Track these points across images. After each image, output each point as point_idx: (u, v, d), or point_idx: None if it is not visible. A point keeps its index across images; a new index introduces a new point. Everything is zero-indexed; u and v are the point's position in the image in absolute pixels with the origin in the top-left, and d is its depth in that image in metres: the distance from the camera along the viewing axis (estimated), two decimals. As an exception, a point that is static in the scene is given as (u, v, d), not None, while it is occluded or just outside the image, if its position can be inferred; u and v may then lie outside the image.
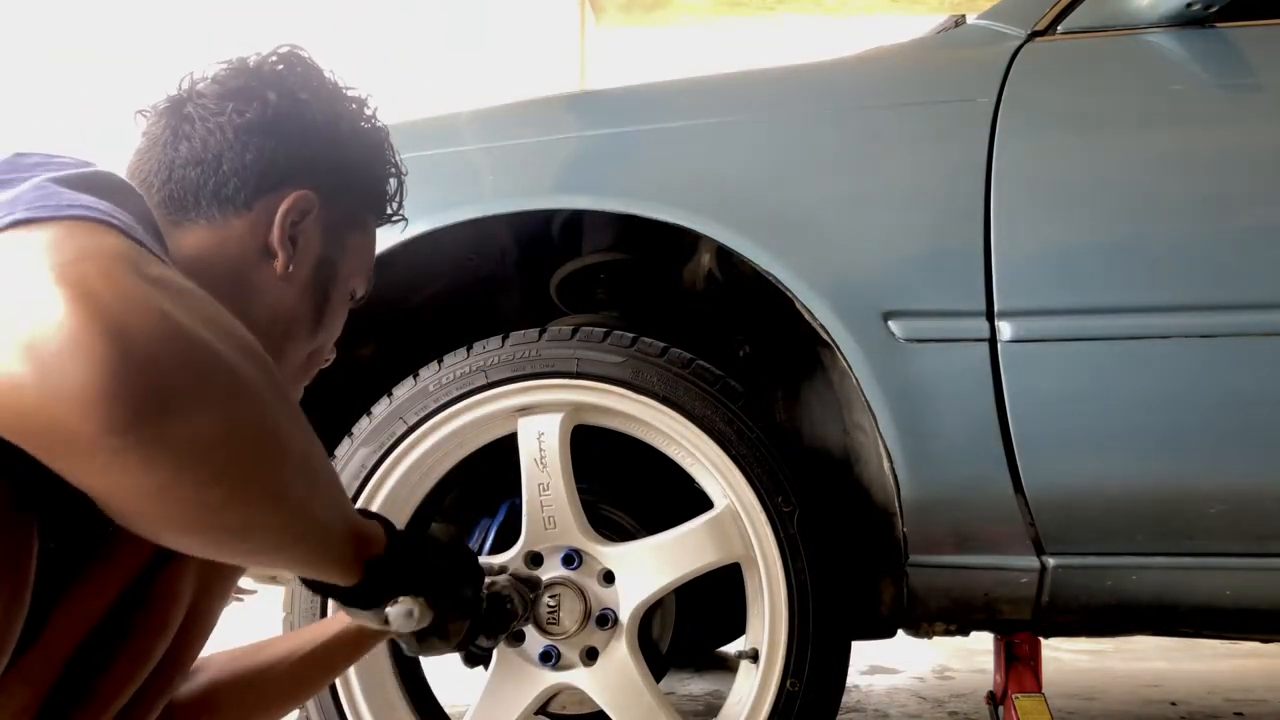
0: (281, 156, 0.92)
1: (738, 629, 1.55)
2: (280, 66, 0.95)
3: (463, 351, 1.50)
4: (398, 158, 1.04)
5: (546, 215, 1.63)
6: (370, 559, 0.85)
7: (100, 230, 0.63)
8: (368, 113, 1.00)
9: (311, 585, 0.87)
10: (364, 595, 0.86)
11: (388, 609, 0.88)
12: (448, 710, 1.60)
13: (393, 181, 1.04)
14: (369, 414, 1.50)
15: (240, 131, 0.91)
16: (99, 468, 0.58)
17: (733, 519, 1.44)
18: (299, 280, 0.94)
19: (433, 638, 0.97)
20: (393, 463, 1.48)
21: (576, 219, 1.65)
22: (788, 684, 1.41)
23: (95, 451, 0.57)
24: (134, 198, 0.75)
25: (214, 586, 0.87)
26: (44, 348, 0.55)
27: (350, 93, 0.99)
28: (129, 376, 0.56)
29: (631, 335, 1.47)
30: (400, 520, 1.51)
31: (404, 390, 1.49)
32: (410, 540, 0.90)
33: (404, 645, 1.00)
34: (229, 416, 0.61)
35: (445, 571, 0.95)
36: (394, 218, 1.06)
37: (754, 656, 1.44)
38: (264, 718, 1.15)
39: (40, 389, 0.55)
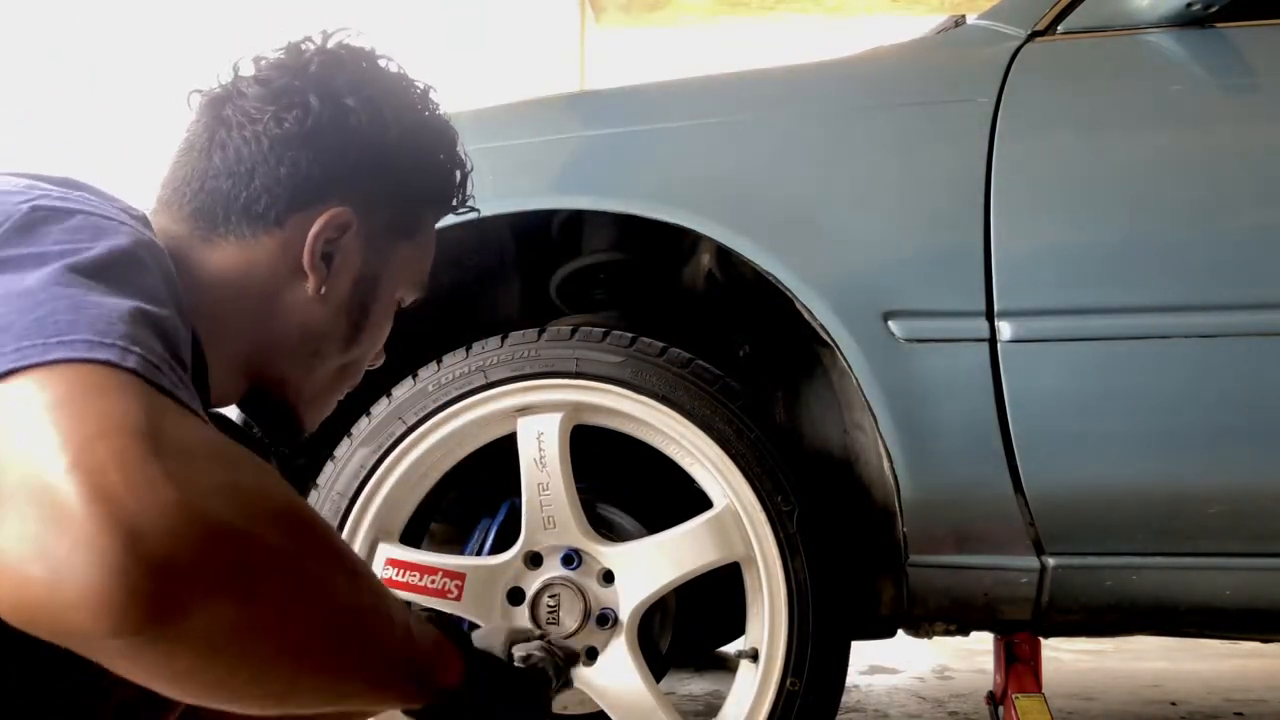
0: (318, 171, 0.87)
1: (738, 629, 1.55)
2: (330, 62, 0.89)
3: (462, 351, 1.50)
4: (461, 149, 0.98)
5: (546, 215, 1.63)
6: (441, 689, 0.79)
7: (117, 384, 0.57)
8: (425, 108, 0.94)
9: None
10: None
11: None
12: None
13: (457, 174, 0.98)
14: (368, 414, 1.50)
15: (276, 143, 0.86)
16: (115, 661, 0.55)
17: (732, 518, 1.44)
18: (335, 300, 0.89)
19: None
20: (392, 463, 1.48)
21: (576, 219, 1.65)
22: (787, 683, 1.41)
23: (108, 649, 0.54)
24: (157, 265, 0.70)
25: None
26: (54, 547, 0.51)
27: (405, 86, 0.93)
28: (142, 582, 0.52)
29: (631, 335, 1.47)
30: (400, 520, 1.51)
31: (403, 390, 1.49)
32: (487, 672, 0.85)
33: None
34: (252, 608, 0.57)
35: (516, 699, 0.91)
36: (459, 210, 1.00)
37: (754, 656, 1.44)
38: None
39: (49, 589, 0.52)
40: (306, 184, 0.87)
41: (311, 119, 0.86)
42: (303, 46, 0.90)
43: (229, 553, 0.56)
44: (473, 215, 1.03)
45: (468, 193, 1.00)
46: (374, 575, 0.70)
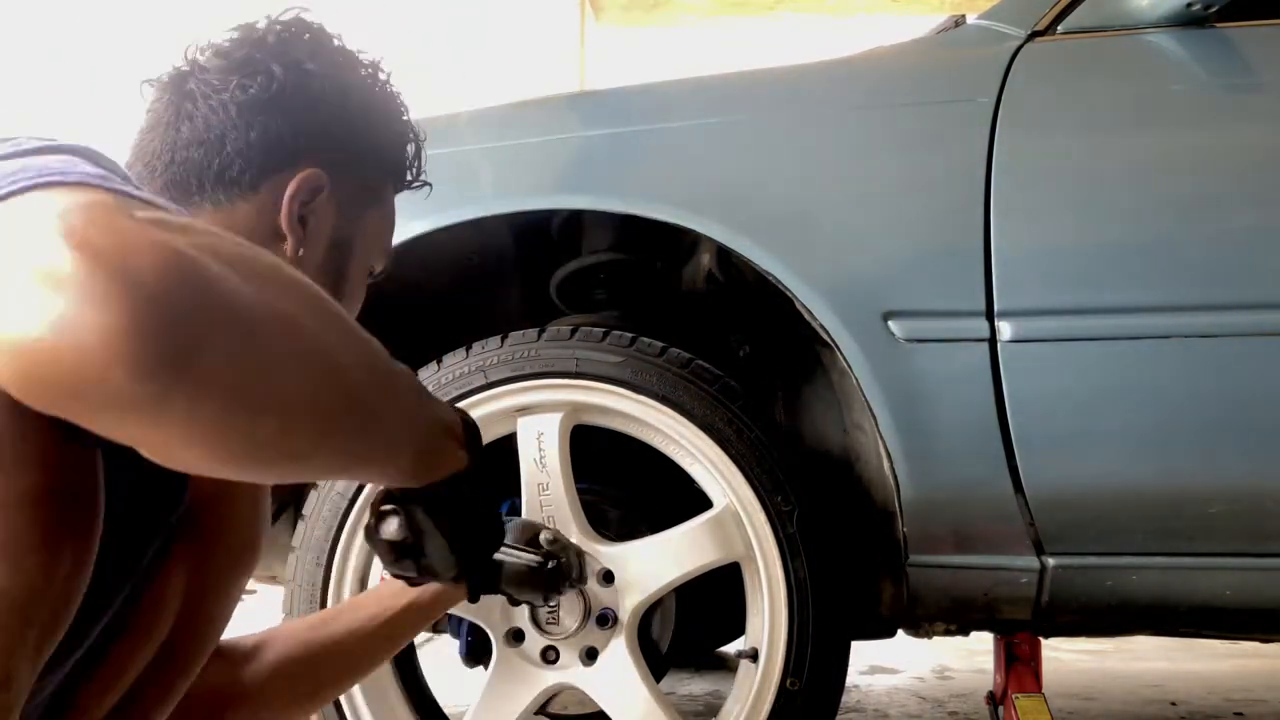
0: (288, 134, 0.88)
1: (738, 629, 1.55)
2: (286, 35, 0.91)
3: (461, 352, 1.50)
4: (415, 122, 0.99)
5: (546, 215, 1.63)
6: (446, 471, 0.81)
7: (75, 189, 0.60)
8: (381, 78, 0.96)
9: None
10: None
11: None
12: (447, 711, 1.60)
13: (410, 147, 0.99)
14: (369, 414, 1.49)
15: (244, 109, 0.87)
16: (144, 421, 0.55)
17: (732, 518, 1.44)
18: (312, 262, 0.90)
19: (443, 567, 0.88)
20: (392, 463, 1.48)
21: (576, 219, 1.65)
22: (787, 683, 1.41)
23: (133, 403, 0.54)
24: (105, 159, 0.71)
25: (214, 588, 0.86)
26: (54, 306, 0.53)
27: (361, 58, 0.95)
28: (147, 316, 0.53)
29: (630, 335, 1.47)
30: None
31: (404, 390, 1.49)
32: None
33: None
34: (261, 342, 0.58)
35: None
36: (414, 184, 1.01)
37: (753, 656, 1.44)
38: (334, 690, 1.15)
39: (61, 349, 0.53)
40: (278, 147, 0.88)
41: (276, 84, 0.87)
42: (257, 24, 0.91)
43: (224, 290, 0.57)
44: (424, 189, 1.03)
45: (422, 166, 1.01)
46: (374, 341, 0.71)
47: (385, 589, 1.15)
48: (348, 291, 0.95)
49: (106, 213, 0.56)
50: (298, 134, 0.88)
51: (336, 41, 0.94)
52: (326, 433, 0.64)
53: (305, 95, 0.89)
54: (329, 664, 1.08)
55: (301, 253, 0.89)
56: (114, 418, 0.56)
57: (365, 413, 0.68)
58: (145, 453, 0.58)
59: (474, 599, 1.11)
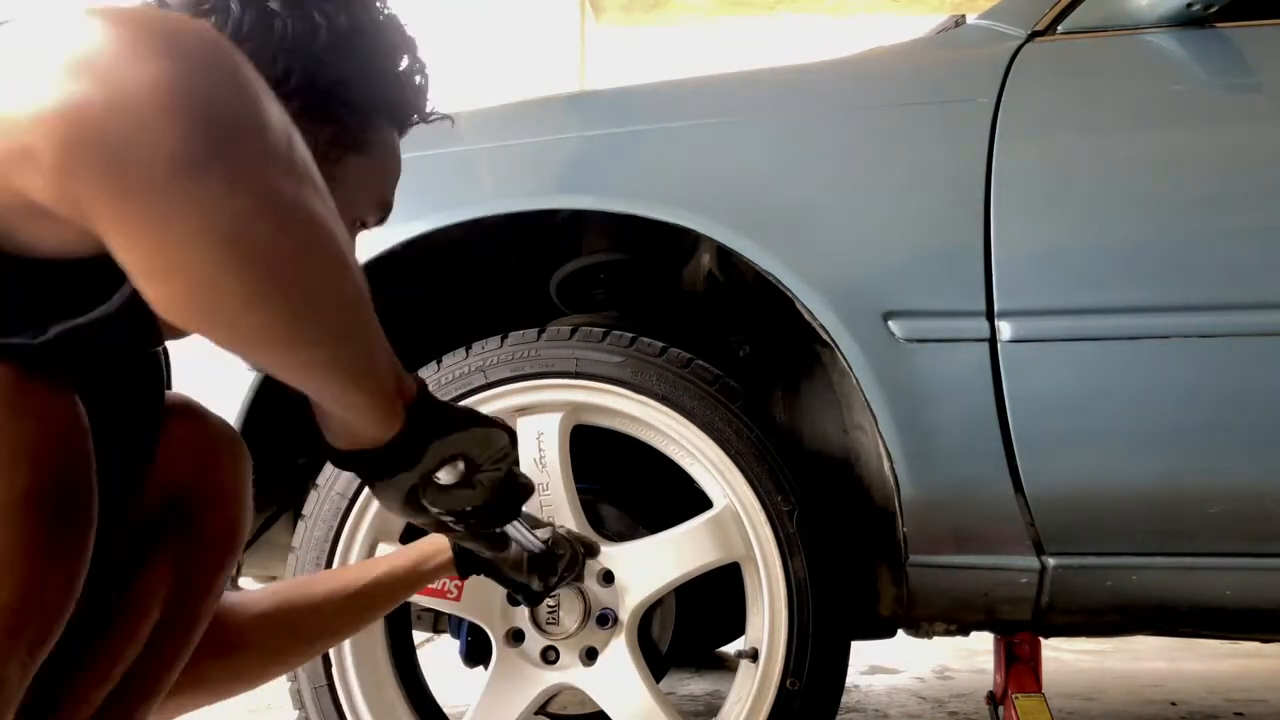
0: None
1: (738, 629, 1.55)
2: None
3: (461, 352, 1.50)
4: (414, 55, 0.91)
5: (547, 215, 1.63)
6: (410, 404, 0.78)
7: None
8: (363, 12, 0.88)
9: (345, 460, 0.80)
10: (407, 447, 0.79)
11: (435, 468, 0.81)
12: (447, 711, 1.60)
13: (408, 81, 0.91)
14: (369, 414, 1.50)
15: None
16: (174, 203, 0.53)
17: (732, 518, 1.44)
18: None
19: (484, 515, 0.87)
20: (392, 463, 1.48)
21: (577, 219, 1.65)
22: (787, 683, 1.41)
23: (172, 171, 0.52)
24: None
25: (199, 582, 0.86)
26: (104, 66, 0.51)
27: None
28: (196, 82, 0.52)
29: (630, 335, 1.47)
30: (400, 521, 1.50)
31: (404, 390, 1.49)
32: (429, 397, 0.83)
33: (458, 538, 0.95)
34: (295, 146, 0.57)
35: (477, 421, 0.86)
36: (421, 120, 0.94)
37: (753, 656, 1.44)
38: (310, 648, 1.15)
39: (112, 105, 0.51)
40: None
41: (231, 24, 0.82)
42: None
43: (270, 109, 0.56)
44: (445, 121, 0.96)
45: (425, 102, 0.94)
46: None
47: (370, 561, 1.16)
48: None
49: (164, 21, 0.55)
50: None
51: None
52: (331, 292, 0.62)
53: (265, 38, 0.82)
54: (306, 623, 1.10)
55: None
56: (143, 201, 0.53)
57: (362, 324, 0.66)
58: (146, 280, 0.56)
59: (464, 574, 1.12)
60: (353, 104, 0.88)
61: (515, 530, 1.07)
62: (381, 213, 0.95)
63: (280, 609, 1.07)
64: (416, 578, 1.17)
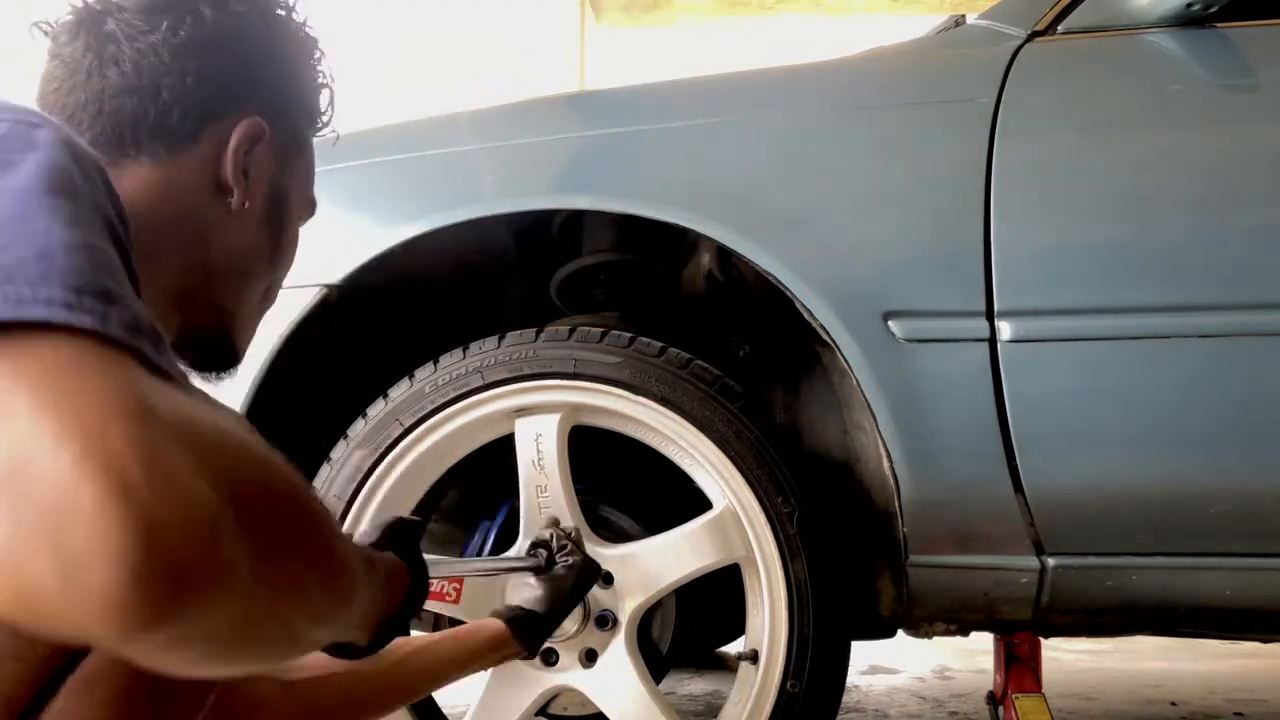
0: (226, 78, 0.83)
1: (738, 629, 1.55)
2: None
3: (459, 352, 1.50)
4: (328, 66, 0.95)
5: (546, 215, 1.63)
6: (380, 622, 0.83)
7: (110, 357, 0.50)
8: (298, 20, 0.91)
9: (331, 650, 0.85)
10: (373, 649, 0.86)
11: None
12: (446, 711, 1.60)
13: (327, 90, 0.95)
14: (364, 416, 1.50)
15: (178, 52, 0.81)
16: (115, 648, 0.48)
17: (732, 520, 1.43)
18: (254, 214, 0.86)
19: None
20: (389, 465, 1.48)
21: (576, 219, 1.65)
22: (788, 685, 1.40)
23: (109, 643, 0.47)
24: (102, 178, 0.62)
25: None
26: (64, 542, 0.45)
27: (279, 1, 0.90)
28: (157, 583, 0.46)
29: (629, 335, 1.46)
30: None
31: (400, 392, 1.49)
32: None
33: None
34: (258, 597, 0.52)
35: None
36: (324, 131, 0.97)
37: (754, 658, 1.44)
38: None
39: (56, 588, 0.45)
40: (218, 93, 0.83)
41: (209, 26, 0.82)
42: None
43: (242, 549, 0.50)
44: (330, 138, 0.99)
45: (333, 112, 0.97)
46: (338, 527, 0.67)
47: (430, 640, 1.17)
48: (286, 243, 0.92)
49: (143, 433, 0.47)
50: (235, 79, 0.84)
51: None
52: (293, 644, 0.59)
53: (239, 39, 0.84)
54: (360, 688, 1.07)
55: (246, 205, 0.85)
56: (85, 643, 0.51)
57: (335, 615, 0.64)
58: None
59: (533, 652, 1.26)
60: (303, 105, 0.92)
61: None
62: (312, 210, 0.98)
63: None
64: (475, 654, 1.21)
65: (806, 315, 1.38)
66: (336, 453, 1.49)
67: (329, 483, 1.48)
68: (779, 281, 1.38)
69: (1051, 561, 1.37)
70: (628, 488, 1.66)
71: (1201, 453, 1.33)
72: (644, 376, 1.44)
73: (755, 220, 1.41)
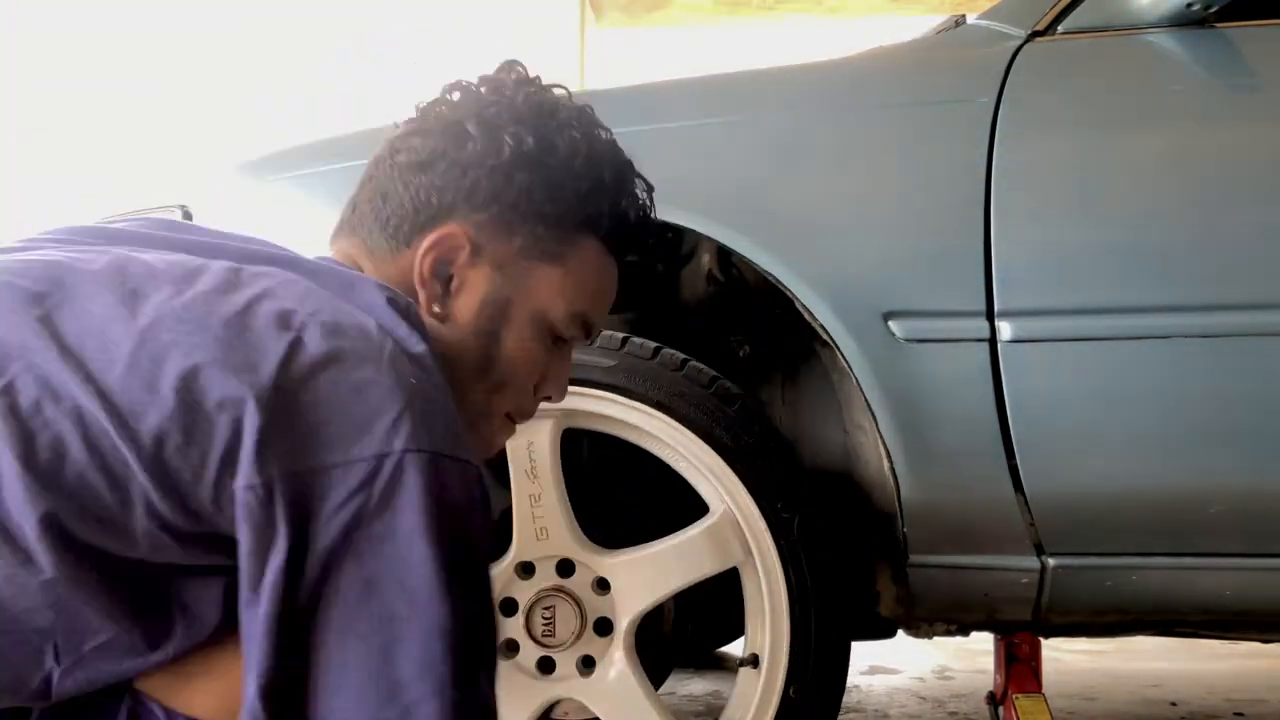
0: (434, 195, 0.91)
1: (737, 629, 1.55)
2: (455, 96, 0.94)
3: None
4: (625, 174, 0.95)
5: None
6: None
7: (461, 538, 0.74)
8: (568, 129, 0.93)
9: None
10: None
11: None
12: None
13: (611, 199, 0.94)
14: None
15: (403, 171, 0.92)
16: None
17: (730, 525, 1.40)
18: (460, 322, 0.91)
19: None
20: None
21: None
22: (790, 691, 1.38)
23: None
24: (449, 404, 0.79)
25: None
26: None
27: (542, 108, 0.93)
28: None
29: (622, 336, 1.44)
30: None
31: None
32: None
33: None
34: None
35: None
36: (629, 233, 0.97)
37: (754, 663, 1.42)
38: None
39: None
40: (426, 207, 0.91)
41: (429, 148, 0.92)
42: (503, 90, 0.94)
43: None
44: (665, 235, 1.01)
45: (631, 216, 0.97)
46: None
47: None
48: (505, 353, 0.92)
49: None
50: (443, 194, 0.91)
51: (520, 87, 0.94)
52: None
53: (457, 156, 0.91)
54: None
55: (438, 310, 0.91)
56: None
57: None
58: None
59: None
60: (543, 215, 0.92)
61: None
62: (581, 329, 0.96)
63: None
64: None
65: (806, 315, 1.38)
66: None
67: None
68: (779, 282, 1.38)
69: (1052, 562, 1.37)
70: (624, 493, 1.65)
71: (1201, 453, 1.33)
72: (638, 379, 1.41)
73: (755, 220, 1.41)
